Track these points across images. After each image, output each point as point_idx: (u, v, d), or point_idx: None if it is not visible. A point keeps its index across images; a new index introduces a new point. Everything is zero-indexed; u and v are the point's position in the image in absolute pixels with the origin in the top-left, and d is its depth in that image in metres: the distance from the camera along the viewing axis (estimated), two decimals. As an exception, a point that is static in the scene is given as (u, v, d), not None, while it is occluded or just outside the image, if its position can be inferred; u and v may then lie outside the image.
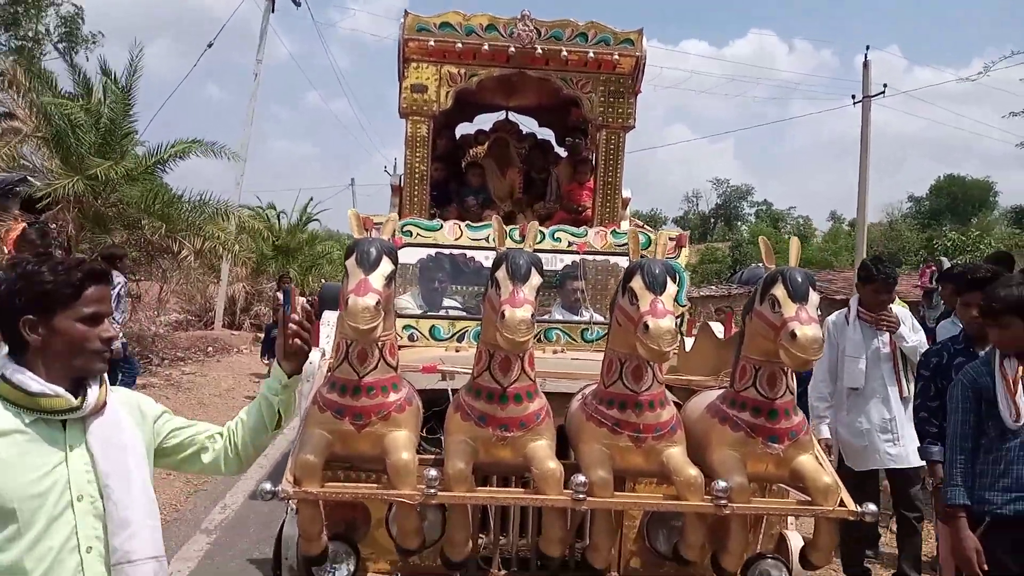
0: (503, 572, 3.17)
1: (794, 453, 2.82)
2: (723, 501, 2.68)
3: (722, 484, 2.69)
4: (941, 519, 3.95)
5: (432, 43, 5.33)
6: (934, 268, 7.88)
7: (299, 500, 2.65)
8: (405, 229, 4.69)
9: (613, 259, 4.90)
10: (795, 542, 3.15)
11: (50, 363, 2.05)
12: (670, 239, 4.78)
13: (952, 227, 35.55)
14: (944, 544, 3.81)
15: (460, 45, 5.31)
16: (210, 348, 17.40)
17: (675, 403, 3.33)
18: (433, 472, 2.62)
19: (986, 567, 3.31)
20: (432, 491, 2.60)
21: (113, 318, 10.28)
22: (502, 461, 2.82)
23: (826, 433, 5.20)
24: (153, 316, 17.31)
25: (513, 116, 7.22)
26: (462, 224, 4.76)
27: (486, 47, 5.31)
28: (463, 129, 7.48)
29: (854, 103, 21.56)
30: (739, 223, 68.13)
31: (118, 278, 9.97)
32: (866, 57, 22.04)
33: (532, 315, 2.55)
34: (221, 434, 2.39)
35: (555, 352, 4.58)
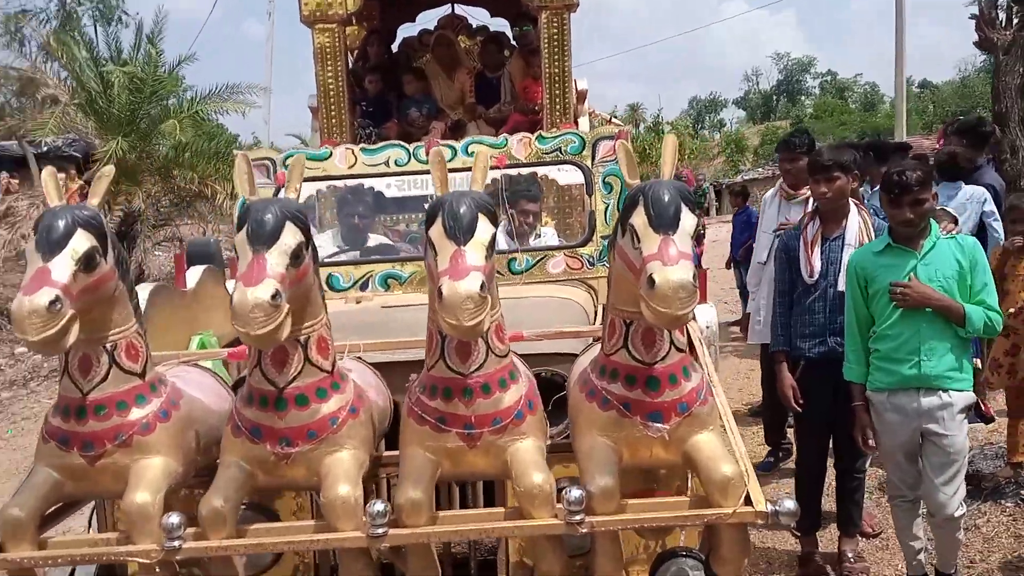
0: None
1: (687, 432, 2.06)
2: (578, 517, 1.95)
3: (575, 493, 1.95)
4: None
5: None
6: None
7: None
8: (288, 163, 3.93)
9: (543, 170, 4.07)
10: None
11: None
12: (606, 138, 3.91)
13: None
14: None
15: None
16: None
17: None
18: (174, 519, 1.95)
19: (802, 401, 3.74)
20: (174, 544, 1.94)
21: None
22: (293, 482, 2.14)
23: (750, 308, 5.30)
24: (200, 256, 18.14)
25: (461, 9, 6.29)
26: (356, 148, 3.99)
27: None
28: (407, 32, 6.56)
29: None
30: (803, 97, 64.77)
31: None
32: None
33: (275, 295, 1.82)
34: None
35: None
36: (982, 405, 5.11)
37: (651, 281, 1.79)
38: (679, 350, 2.07)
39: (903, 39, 12.30)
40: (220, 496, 2.00)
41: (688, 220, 1.90)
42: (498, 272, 3.76)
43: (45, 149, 18.92)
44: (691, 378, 2.09)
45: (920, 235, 3.32)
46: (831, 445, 3.93)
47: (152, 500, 1.99)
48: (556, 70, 4.92)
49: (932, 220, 3.39)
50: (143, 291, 3.00)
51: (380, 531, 1.94)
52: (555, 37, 4.88)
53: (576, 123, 5.16)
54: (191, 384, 2.36)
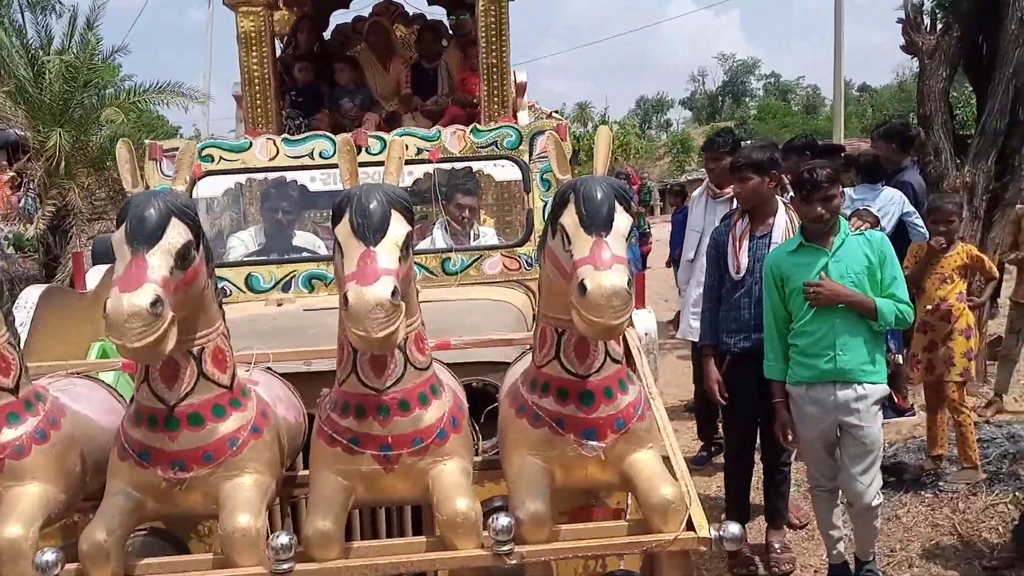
0: None
1: (624, 450, 1.89)
2: (506, 547, 1.77)
3: (503, 521, 1.76)
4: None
5: None
6: None
7: None
8: (205, 154, 3.65)
9: (479, 165, 3.88)
10: None
11: None
12: (538, 133, 3.73)
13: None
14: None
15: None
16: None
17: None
18: (49, 556, 1.71)
19: (727, 394, 3.80)
20: None
21: None
22: (189, 510, 1.92)
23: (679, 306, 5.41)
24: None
25: (398, -4, 6.05)
26: (277, 139, 3.74)
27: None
28: (341, 19, 6.30)
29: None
30: (747, 99, 65.73)
31: None
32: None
33: (156, 301, 1.59)
34: None
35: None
36: (896, 398, 5.31)
37: (582, 287, 1.62)
38: (615, 361, 1.90)
39: (841, 42, 12.43)
40: (103, 528, 1.76)
41: (623, 220, 1.72)
42: (432, 273, 3.64)
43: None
44: (628, 391, 1.92)
45: (830, 232, 3.39)
46: (758, 439, 3.99)
47: (25, 534, 1.74)
48: (494, 61, 4.76)
49: (841, 218, 3.46)
50: (33, 293, 2.73)
51: (284, 567, 1.73)
52: (492, 26, 4.72)
53: (515, 117, 4.99)
54: (79, 399, 2.11)
